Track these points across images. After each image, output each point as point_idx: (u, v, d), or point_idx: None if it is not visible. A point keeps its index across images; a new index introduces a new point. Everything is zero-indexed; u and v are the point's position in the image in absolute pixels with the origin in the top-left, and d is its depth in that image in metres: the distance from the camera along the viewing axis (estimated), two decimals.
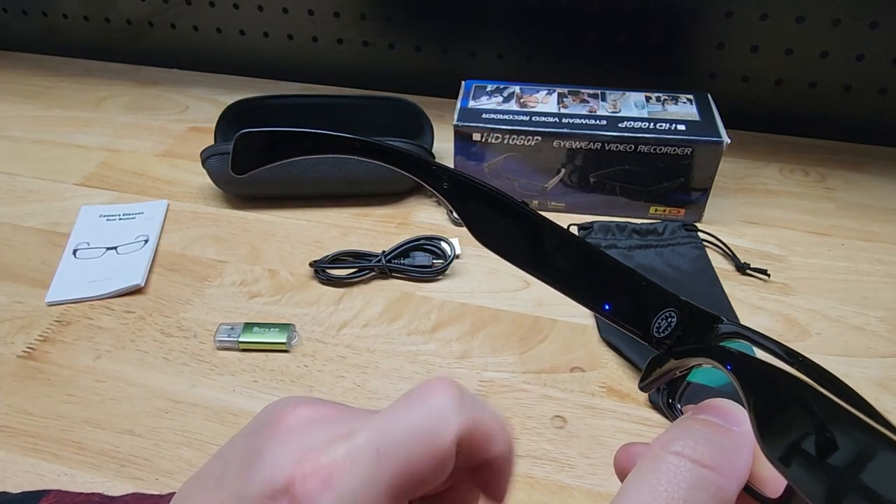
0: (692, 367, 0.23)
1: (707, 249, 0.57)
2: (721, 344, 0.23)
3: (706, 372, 0.22)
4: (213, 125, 0.65)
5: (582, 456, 0.42)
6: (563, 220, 0.58)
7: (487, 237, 0.22)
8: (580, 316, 0.51)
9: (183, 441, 0.43)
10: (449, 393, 0.20)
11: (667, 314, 0.23)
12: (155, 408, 0.45)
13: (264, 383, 0.46)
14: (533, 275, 0.23)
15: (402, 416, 0.19)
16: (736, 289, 0.53)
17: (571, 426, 0.43)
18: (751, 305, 0.52)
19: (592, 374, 0.47)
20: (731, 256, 0.56)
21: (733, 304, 0.51)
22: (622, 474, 0.23)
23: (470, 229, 0.23)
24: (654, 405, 0.44)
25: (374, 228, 0.61)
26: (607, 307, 0.23)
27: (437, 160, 0.65)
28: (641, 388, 0.25)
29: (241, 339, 0.48)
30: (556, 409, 0.44)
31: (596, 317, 0.51)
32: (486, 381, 0.46)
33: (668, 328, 0.23)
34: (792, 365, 0.21)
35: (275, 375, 0.47)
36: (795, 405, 0.17)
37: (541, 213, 0.23)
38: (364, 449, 0.19)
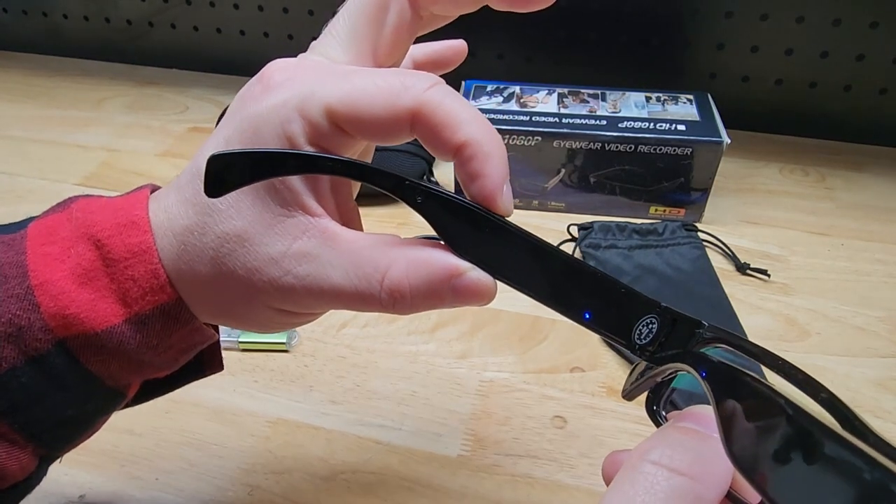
0: (673, 373, 0.23)
1: (707, 249, 0.57)
2: (702, 350, 0.22)
3: (690, 378, 0.22)
4: (213, 125, 0.65)
5: (582, 456, 0.42)
6: (563, 220, 0.58)
7: (464, 250, 0.22)
8: None
9: (183, 441, 0.43)
10: (426, 77, 0.22)
11: (648, 321, 0.23)
12: (155, 407, 0.44)
13: (264, 383, 0.46)
14: (511, 286, 0.23)
15: (377, 72, 0.23)
16: (736, 289, 0.53)
17: (571, 426, 0.43)
18: (751, 305, 0.52)
19: (592, 374, 0.47)
20: (731, 256, 0.56)
21: (733, 304, 0.51)
22: (609, 482, 0.22)
23: (446, 243, 0.22)
24: (648, 415, 0.44)
25: (374, 228, 0.60)
26: (587, 316, 0.23)
27: (436, 161, 0.65)
28: (624, 396, 0.25)
29: (241, 339, 0.48)
30: (556, 409, 0.44)
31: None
32: (486, 381, 0.46)
33: (649, 335, 0.23)
34: (772, 368, 0.21)
35: (275, 375, 0.47)
36: (765, 413, 0.17)
37: (515, 223, 0.22)
38: (331, 72, 0.23)
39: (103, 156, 0.72)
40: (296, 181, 0.22)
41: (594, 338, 0.49)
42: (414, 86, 0.22)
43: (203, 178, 0.21)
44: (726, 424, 0.18)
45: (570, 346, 0.49)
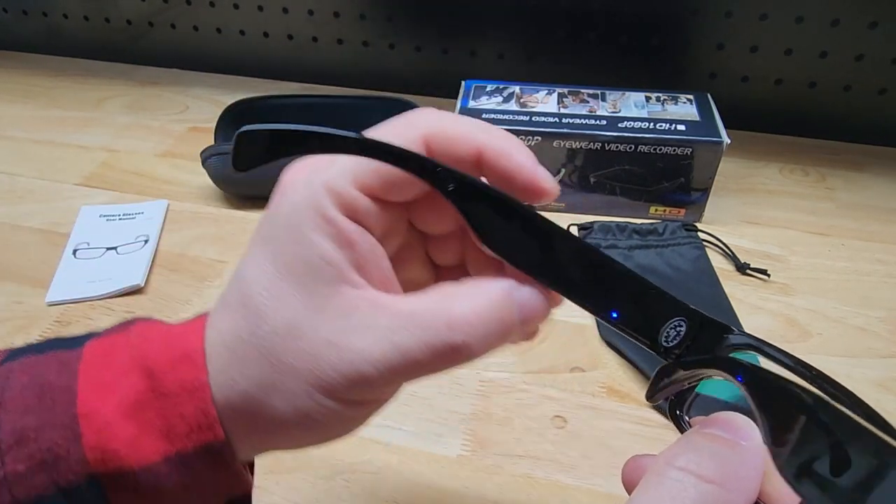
0: (701, 378, 0.23)
1: (707, 249, 0.57)
2: (732, 355, 0.22)
3: (715, 383, 0.22)
4: (213, 125, 0.65)
5: (582, 456, 0.42)
6: (563, 220, 0.58)
7: (494, 241, 0.22)
8: (580, 316, 0.51)
9: None
10: (428, 111, 0.23)
11: (676, 323, 0.22)
12: None
13: None
14: (539, 280, 0.22)
15: (383, 124, 0.23)
16: (736, 289, 0.53)
17: (571, 426, 0.43)
18: (751, 305, 0.52)
19: (592, 374, 0.47)
20: (731, 256, 0.56)
21: (733, 304, 0.51)
22: (630, 488, 0.22)
23: (475, 233, 0.22)
24: (655, 406, 0.44)
25: None
26: (615, 315, 0.22)
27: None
28: (649, 399, 0.25)
29: None
30: (557, 410, 0.44)
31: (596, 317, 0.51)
32: (486, 381, 0.46)
33: (676, 337, 0.23)
34: (804, 377, 0.20)
35: None
36: (810, 420, 0.17)
37: (545, 216, 0.22)
38: (344, 158, 0.23)
39: (103, 156, 0.72)
40: (335, 256, 0.22)
41: (594, 338, 0.49)
42: (419, 118, 0.23)
43: (231, 153, 0.22)
44: (772, 433, 0.17)
45: (571, 347, 0.49)
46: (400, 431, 0.43)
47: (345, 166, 0.22)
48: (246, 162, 0.22)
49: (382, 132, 0.22)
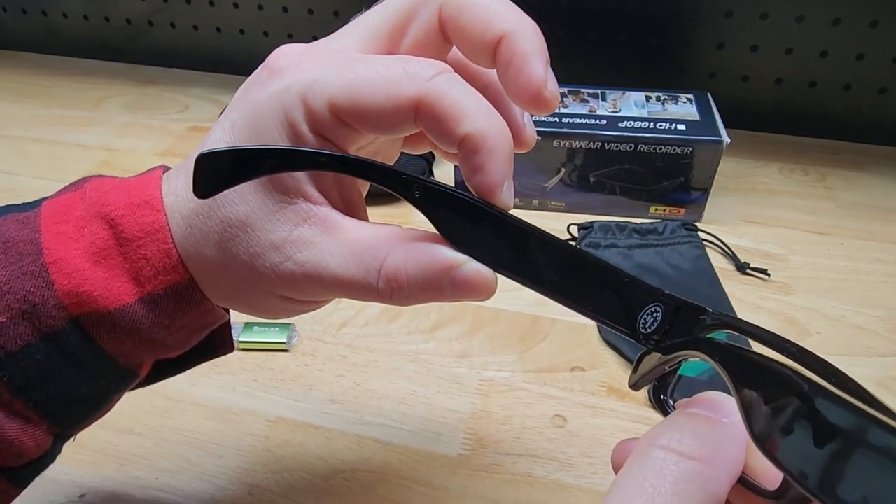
0: (680, 360, 0.23)
1: (707, 249, 0.57)
2: (709, 336, 0.22)
3: (697, 365, 0.22)
4: (213, 125, 0.65)
5: (582, 455, 0.42)
6: (563, 219, 0.58)
7: (464, 244, 0.22)
8: (580, 315, 0.51)
9: (182, 440, 0.43)
10: (432, 64, 0.22)
11: (652, 309, 0.23)
12: (154, 406, 0.45)
13: (264, 382, 0.46)
14: (513, 279, 0.22)
15: (381, 60, 0.22)
16: (736, 288, 0.53)
17: (571, 425, 0.43)
18: (751, 305, 0.52)
19: (592, 374, 0.47)
20: (731, 256, 0.56)
21: (733, 303, 0.51)
22: (619, 471, 0.22)
23: (445, 237, 0.22)
24: (655, 404, 0.44)
25: None
26: (591, 307, 0.23)
27: (436, 161, 0.65)
28: (632, 387, 0.25)
29: (240, 339, 0.48)
30: (556, 409, 0.44)
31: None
32: (485, 381, 0.46)
33: (654, 323, 0.23)
34: (780, 351, 0.21)
35: (275, 375, 0.47)
36: (785, 393, 0.17)
37: (516, 215, 0.22)
38: (336, 60, 0.22)
39: (103, 155, 0.72)
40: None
41: (594, 337, 0.49)
42: (418, 74, 0.21)
43: (193, 180, 0.21)
44: (747, 407, 0.18)
45: (570, 346, 0.49)
46: (400, 430, 0.43)
47: (325, 87, 0.21)
48: (210, 187, 0.22)
49: (375, 78, 0.21)
